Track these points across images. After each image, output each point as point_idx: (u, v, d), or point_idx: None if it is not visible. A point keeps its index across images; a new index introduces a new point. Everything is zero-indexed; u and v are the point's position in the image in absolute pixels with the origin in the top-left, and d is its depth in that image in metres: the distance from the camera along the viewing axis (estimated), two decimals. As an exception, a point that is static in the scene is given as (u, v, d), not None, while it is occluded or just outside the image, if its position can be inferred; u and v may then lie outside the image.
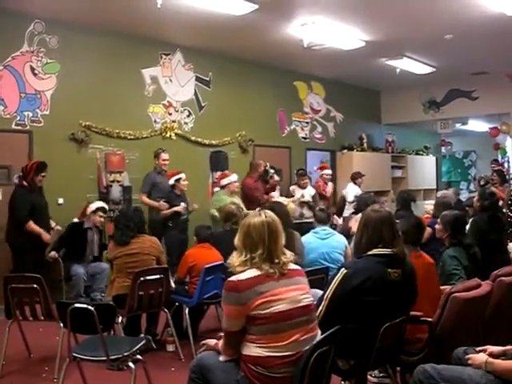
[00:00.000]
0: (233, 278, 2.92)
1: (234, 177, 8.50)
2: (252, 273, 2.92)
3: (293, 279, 3.02)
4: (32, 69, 7.70)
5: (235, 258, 3.02)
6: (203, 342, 3.27)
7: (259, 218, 3.07)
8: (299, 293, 2.99)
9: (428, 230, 7.07)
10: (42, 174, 6.86)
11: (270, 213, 3.14)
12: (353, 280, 3.26)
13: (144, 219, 5.93)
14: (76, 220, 7.47)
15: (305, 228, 6.97)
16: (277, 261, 2.99)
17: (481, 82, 12.36)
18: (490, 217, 6.25)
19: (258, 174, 9.41)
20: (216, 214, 7.65)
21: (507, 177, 11.49)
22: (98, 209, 7.30)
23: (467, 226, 5.80)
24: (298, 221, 8.82)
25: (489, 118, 13.80)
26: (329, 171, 10.74)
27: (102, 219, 7.38)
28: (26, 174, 6.80)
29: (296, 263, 3.15)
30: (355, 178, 10.83)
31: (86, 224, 7.23)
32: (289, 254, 3.07)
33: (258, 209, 3.45)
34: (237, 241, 3.07)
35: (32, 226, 6.70)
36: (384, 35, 9.01)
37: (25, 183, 6.79)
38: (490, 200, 6.54)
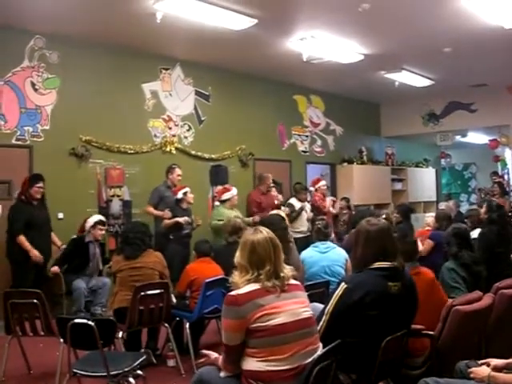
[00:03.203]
0: (233, 293, 2.93)
1: (234, 191, 8.53)
2: (252, 287, 2.94)
3: (292, 293, 3.04)
4: (32, 84, 7.73)
5: (238, 278, 3.01)
6: (204, 352, 3.25)
7: (261, 234, 3.10)
8: (299, 306, 3.01)
9: (429, 242, 7.09)
10: (38, 186, 6.85)
11: (267, 229, 3.17)
12: (353, 294, 3.25)
13: (149, 233, 5.95)
14: (75, 236, 7.46)
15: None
16: (282, 274, 3.02)
17: (480, 95, 12.39)
18: (499, 229, 6.24)
19: (266, 187, 9.53)
20: (219, 224, 7.69)
21: (507, 189, 11.50)
22: (97, 222, 7.30)
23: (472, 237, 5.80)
24: None
25: (488, 130, 13.82)
26: (324, 182, 10.60)
27: (103, 232, 7.39)
28: (22, 187, 6.86)
29: (294, 278, 3.16)
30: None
31: (86, 238, 7.23)
32: (289, 268, 3.10)
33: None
34: (239, 259, 3.06)
35: (22, 240, 6.69)
36: (382, 48, 9.04)
37: (22, 197, 6.84)
38: (498, 212, 6.52)
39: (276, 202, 9.52)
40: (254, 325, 2.85)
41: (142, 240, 5.59)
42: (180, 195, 7.93)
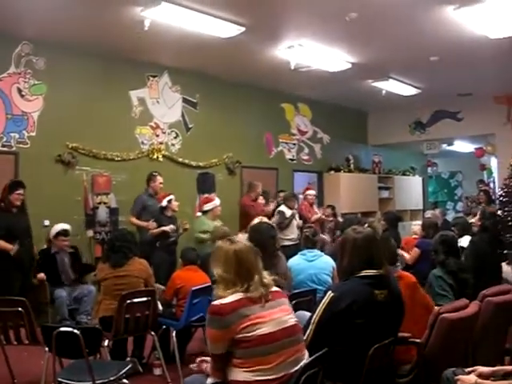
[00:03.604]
0: (216, 302, 2.90)
1: (217, 201, 8.49)
2: (236, 296, 2.90)
3: (276, 301, 3.01)
4: (19, 90, 7.69)
5: (223, 292, 2.93)
6: (201, 359, 3.21)
7: (240, 244, 3.05)
8: (283, 314, 2.99)
9: (416, 250, 7.13)
10: (18, 192, 6.70)
11: (239, 238, 3.14)
12: (340, 303, 3.24)
13: (135, 241, 5.93)
14: (45, 246, 7.39)
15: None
16: (266, 281, 3.00)
17: (466, 104, 12.48)
18: (490, 237, 6.26)
19: (256, 195, 9.59)
20: (203, 236, 7.69)
21: (493, 197, 11.58)
22: (59, 233, 7.23)
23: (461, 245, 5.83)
24: None
25: (474, 138, 13.93)
26: (312, 192, 10.61)
27: (66, 243, 7.29)
28: (1, 194, 6.74)
29: (279, 285, 3.15)
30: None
31: (52, 249, 7.18)
32: (268, 276, 3.06)
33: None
34: (223, 273, 2.98)
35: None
36: (370, 57, 9.09)
37: (1, 204, 6.72)
38: (492, 220, 6.54)
39: (264, 210, 9.50)
40: (240, 335, 2.83)
41: (128, 248, 5.57)
42: (165, 203, 7.92)
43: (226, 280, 2.96)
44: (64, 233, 7.29)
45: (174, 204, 8.01)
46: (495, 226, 6.53)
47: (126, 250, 5.54)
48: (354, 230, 3.51)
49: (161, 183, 8.20)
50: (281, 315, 2.96)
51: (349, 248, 3.44)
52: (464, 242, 6.78)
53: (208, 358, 3.12)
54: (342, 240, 3.56)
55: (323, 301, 3.30)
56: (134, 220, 7.94)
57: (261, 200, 9.71)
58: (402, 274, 4.28)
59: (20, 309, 4.79)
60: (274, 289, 3.07)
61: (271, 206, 9.80)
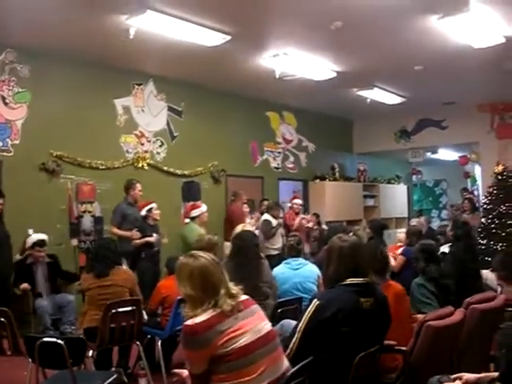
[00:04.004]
0: (189, 322, 2.81)
1: (204, 207, 8.45)
2: (208, 314, 2.84)
3: (248, 310, 2.98)
4: (3, 98, 7.65)
5: (192, 312, 2.85)
6: (175, 371, 3.19)
7: (204, 259, 2.98)
8: (258, 322, 2.96)
9: (401, 258, 7.16)
10: None
11: (200, 252, 3.07)
12: (325, 311, 3.24)
13: (118, 250, 5.90)
14: (18, 256, 7.28)
15: None
16: (233, 292, 2.95)
17: (450, 112, 12.59)
18: (465, 246, 6.32)
19: (242, 203, 9.67)
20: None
21: (477, 205, 11.67)
22: (35, 243, 7.18)
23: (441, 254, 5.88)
24: None
25: (458, 147, 14.03)
26: (298, 201, 10.59)
27: (42, 254, 7.22)
28: None
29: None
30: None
31: (28, 260, 7.13)
32: (233, 284, 3.01)
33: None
34: (189, 291, 2.89)
35: None
36: (355, 66, 9.14)
37: None
38: (463, 229, 6.61)
39: (248, 220, 9.47)
40: (218, 352, 2.78)
41: (111, 257, 5.54)
42: (144, 212, 7.88)
43: (193, 298, 2.89)
44: (40, 243, 7.21)
45: (155, 213, 7.95)
46: (467, 235, 6.58)
47: (110, 260, 5.50)
48: (339, 239, 3.52)
49: (140, 191, 8.11)
50: (256, 323, 2.93)
51: (335, 256, 3.44)
52: (446, 248, 6.85)
53: (182, 371, 3.06)
54: (328, 248, 3.56)
55: (309, 309, 3.30)
56: (116, 230, 7.81)
57: (245, 208, 9.74)
58: (390, 282, 4.31)
59: (2, 319, 4.74)
60: (244, 297, 3.02)
61: (256, 216, 9.81)
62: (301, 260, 6.01)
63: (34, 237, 7.27)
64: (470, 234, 6.71)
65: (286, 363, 2.98)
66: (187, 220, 8.64)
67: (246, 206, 9.79)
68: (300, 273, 5.82)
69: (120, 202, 8.04)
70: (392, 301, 3.69)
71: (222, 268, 3.03)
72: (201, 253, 3.06)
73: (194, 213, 8.32)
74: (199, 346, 2.78)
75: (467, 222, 7.37)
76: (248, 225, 8.53)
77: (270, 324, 3.04)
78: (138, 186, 8.09)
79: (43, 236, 7.34)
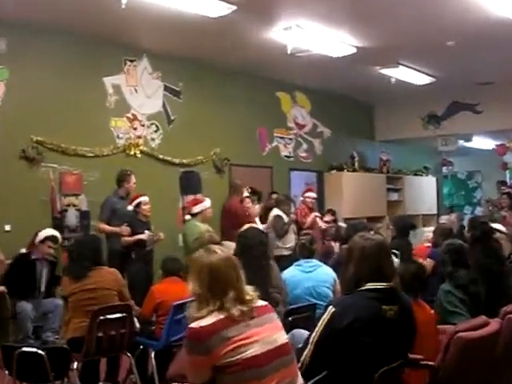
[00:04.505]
0: (194, 325, 2.86)
1: (207, 202, 8.44)
2: (216, 316, 2.88)
3: (263, 317, 3.00)
4: (-24, 76, 7.68)
5: (197, 310, 2.92)
6: None
7: (218, 255, 3.04)
8: (272, 332, 2.98)
9: (429, 261, 7.12)
10: None
11: (219, 247, 3.14)
12: (342, 320, 3.23)
13: (101, 248, 5.91)
14: (24, 250, 7.38)
15: None
16: (248, 297, 2.98)
17: (486, 94, 12.51)
18: (484, 249, 6.27)
19: (241, 196, 9.52)
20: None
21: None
22: (47, 238, 7.24)
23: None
24: None
25: (495, 134, 13.97)
26: (312, 194, 10.56)
27: (52, 250, 7.30)
28: None
29: (276, 299, 3.14)
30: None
31: (33, 255, 7.16)
32: (251, 289, 3.05)
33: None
34: (197, 289, 2.97)
35: None
36: (377, 41, 9.12)
37: None
38: (481, 229, 6.57)
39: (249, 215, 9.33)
40: (223, 361, 2.80)
41: (89, 256, 5.52)
42: (131, 207, 7.87)
43: (200, 297, 2.95)
44: (53, 239, 7.31)
45: (144, 208, 7.90)
46: (486, 236, 6.52)
47: (87, 260, 5.49)
48: (362, 237, 3.51)
49: (134, 183, 8.16)
50: (269, 333, 2.95)
51: (356, 257, 3.43)
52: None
53: None
54: (349, 248, 3.55)
55: (323, 317, 3.30)
56: (105, 226, 7.86)
57: (247, 203, 9.59)
58: (421, 303, 4.31)
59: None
60: (260, 303, 3.06)
61: (256, 209, 9.66)
62: (314, 261, 6.00)
63: (48, 231, 7.37)
64: (488, 234, 6.65)
65: (301, 380, 2.99)
66: (188, 217, 8.64)
67: (248, 200, 9.57)
68: (313, 276, 5.82)
69: (109, 194, 8.06)
70: (421, 324, 3.66)
71: (239, 269, 3.06)
72: (218, 248, 3.12)
73: (196, 208, 8.31)
74: (203, 351, 2.82)
75: (485, 221, 7.32)
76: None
77: (286, 336, 3.06)
78: (133, 178, 8.12)
79: (56, 233, 7.45)
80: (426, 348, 3.83)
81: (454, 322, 4.33)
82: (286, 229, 9.35)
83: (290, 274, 5.88)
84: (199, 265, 3.03)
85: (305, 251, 6.05)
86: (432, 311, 4.35)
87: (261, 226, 8.81)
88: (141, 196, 7.95)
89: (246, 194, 9.62)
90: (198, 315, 2.89)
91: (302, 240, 6.16)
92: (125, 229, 7.71)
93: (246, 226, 7.23)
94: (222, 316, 2.88)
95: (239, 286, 2.99)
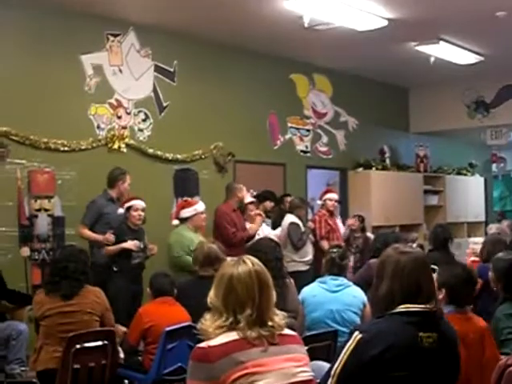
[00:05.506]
0: (202, 344, 2.91)
1: (200, 206, 8.44)
2: (228, 336, 2.92)
3: (285, 347, 3.03)
4: None
5: (209, 322, 3.00)
6: None
7: (244, 266, 3.09)
8: (293, 364, 3.00)
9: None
10: None
11: (256, 260, 3.18)
12: (371, 348, 3.22)
13: (88, 263, 5.95)
14: None
15: None
16: (270, 323, 3.02)
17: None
18: None
19: (238, 201, 9.43)
20: (187, 258, 7.59)
21: None
22: None
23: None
24: None
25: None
26: (333, 195, 10.45)
27: None
28: None
29: (291, 327, 3.15)
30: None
31: None
32: (281, 316, 3.10)
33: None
34: (213, 298, 3.06)
35: None
36: (414, 12, 9.12)
37: None
38: None
39: (249, 225, 9.28)
40: None
41: (83, 272, 5.58)
42: (121, 211, 7.87)
43: (214, 308, 3.03)
44: None
45: (133, 215, 7.88)
46: None
47: (82, 275, 5.54)
48: (396, 250, 3.50)
49: (129, 184, 8.24)
50: (289, 365, 2.97)
51: (389, 273, 3.41)
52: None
53: None
54: (381, 261, 3.54)
55: (348, 345, 3.28)
56: (86, 232, 7.90)
57: (251, 211, 9.46)
58: (470, 315, 4.30)
59: None
60: (286, 331, 3.10)
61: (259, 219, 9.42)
62: (342, 280, 5.99)
63: None
64: None
65: None
66: (175, 222, 8.61)
67: (252, 206, 9.50)
68: (339, 297, 5.82)
69: (97, 196, 8.12)
70: (471, 339, 3.65)
71: (269, 289, 3.11)
72: (253, 259, 3.18)
73: (185, 213, 8.30)
74: (210, 376, 2.85)
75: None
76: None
77: (310, 373, 3.09)
78: (128, 178, 8.18)
79: None
80: (481, 363, 3.83)
81: (509, 352, 4.30)
82: (305, 240, 9.33)
83: (311, 292, 5.88)
84: (221, 274, 3.11)
85: (334, 267, 6.03)
86: (485, 324, 4.32)
87: (272, 234, 8.80)
88: (134, 199, 7.96)
89: (249, 199, 9.53)
90: (206, 327, 2.97)
91: (332, 254, 6.12)
92: (109, 236, 7.71)
93: (257, 238, 7.24)
94: (236, 337, 2.93)
95: (263, 307, 3.03)
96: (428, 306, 3.35)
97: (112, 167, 8.36)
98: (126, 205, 7.90)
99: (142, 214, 7.94)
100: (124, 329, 6.14)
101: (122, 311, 7.05)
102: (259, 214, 9.35)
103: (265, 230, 9.33)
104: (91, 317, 5.47)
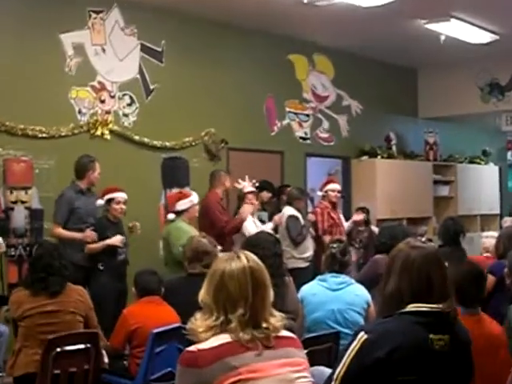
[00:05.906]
0: (192, 348, 2.91)
1: (194, 197, 8.48)
2: (220, 339, 2.92)
3: (282, 351, 3.03)
4: None
5: (199, 322, 3.00)
6: None
7: (238, 262, 3.08)
8: (291, 369, 3.00)
9: (490, 278, 7.11)
10: None
11: (252, 256, 3.17)
12: (376, 350, 3.21)
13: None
14: None
15: None
16: (265, 325, 3.01)
17: None
18: None
19: (224, 190, 9.47)
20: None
21: None
22: None
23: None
24: None
25: None
26: (335, 186, 10.34)
27: None
28: None
29: (290, 329, 3.14)
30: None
31: None
32: (280, 317, 3.10)
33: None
34: (204, 296, 3.06)
35: None
36: (422, -14, 9.11)
37: None
38: None
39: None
40: None
41: (66, 268, 5.61)
42: (101, 202, 7.86)
43: (205, 306, 3.03)
44: None
45: (115, 207, 7.92)
46: None
47: (66, 272, 5.55)
48: (407, 244, 3.48)
49: (99, 173, 8.18)
50: (286, 371, 2.97)
51: (397, 268, 3.40)
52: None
53: None
54: (390, 257, 3.53)
55: (352, 346, 3.27)
56: (62, 231, 7.84)
57: (250, 200, 9.26)
58: (483, 316, 4.29)
59: None
60: (284, 333, 3.09)
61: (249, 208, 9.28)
62: (344, 278, 5.99)
63: None
64: None
65: None
66: (171, 216, 8.58)
67: (251, 195, 9.30)
68: (341, 296, 5.82)
69: (64, 189, 8.06)
70: (481, 343, 3.65)
71: (266, 287, 3.11)
72: (249, 254, 3.17)
73: (181, 205, 8.31)
74: (199, 382, 2.86)
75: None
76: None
77: (310, 379, 3.10)
78: (98, 167, 8.12)
79: None
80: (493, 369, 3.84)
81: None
82: (305, 234, 9.32)
83: (311, 291, 5.89)
84: (213, 270, 3.12)
85: (335, 264, 6.02)
86: (500, 329, 4.32)
87: (268, 228, 8.79)
88: (116, 191, 7.95)
89: (249, 188, 9.49)
90: (196, 327, 2.97)
91: (333, 249, 6.11)
92: (90, 234, 7.69)
93: (255, 232, 7.22)
94: (228, 339, 2.92)
95: (257, 307, 3.01)
96: (440, 306, 3.34)
97: (95, 156, 8.29)
98: (107, 197, 7.88)
99: (124, 207, 7.97)
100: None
101: (107, 312, 7.06)
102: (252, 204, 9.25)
103: (258, 225, 9.26)
104: (74, 317, 5.48)
